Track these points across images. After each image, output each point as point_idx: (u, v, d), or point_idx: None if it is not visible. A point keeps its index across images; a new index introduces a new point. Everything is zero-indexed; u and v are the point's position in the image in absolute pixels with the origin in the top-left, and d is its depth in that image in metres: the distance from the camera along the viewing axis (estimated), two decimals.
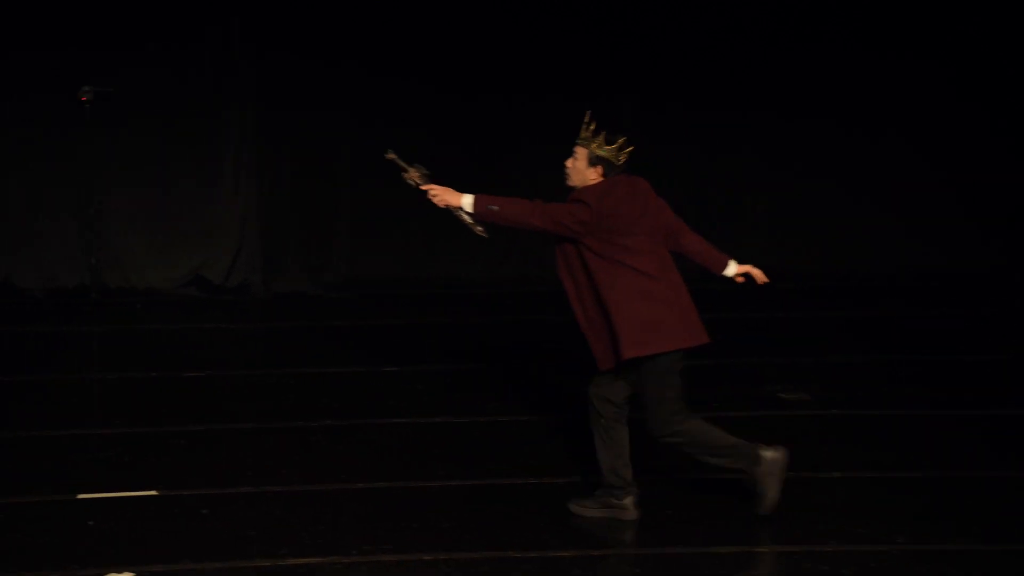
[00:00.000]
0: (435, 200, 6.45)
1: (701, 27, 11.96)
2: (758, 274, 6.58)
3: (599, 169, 6.44)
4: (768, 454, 6.36)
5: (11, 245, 11.82)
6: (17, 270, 11.83)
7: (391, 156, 6.53)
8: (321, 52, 11.78)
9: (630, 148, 6.45)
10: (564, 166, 6.46)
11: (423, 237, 12.05)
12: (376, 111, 11.72)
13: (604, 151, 6.42)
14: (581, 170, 6.46)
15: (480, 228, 6.51)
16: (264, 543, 6.29)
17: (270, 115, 11.85)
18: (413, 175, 6.52)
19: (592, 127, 6.41)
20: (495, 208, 6.38)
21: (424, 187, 6.49)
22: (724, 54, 12.03)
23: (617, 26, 11.96)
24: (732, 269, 6.58)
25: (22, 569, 5.88)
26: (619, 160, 6.45)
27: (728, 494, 6.77)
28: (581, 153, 6.45)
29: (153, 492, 6.85)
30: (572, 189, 6.48)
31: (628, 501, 6.51)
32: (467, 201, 6.41)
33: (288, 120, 11.88)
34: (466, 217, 6.47)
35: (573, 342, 6.88)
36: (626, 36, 11.91)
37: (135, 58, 11.57)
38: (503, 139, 12.04)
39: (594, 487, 6.63)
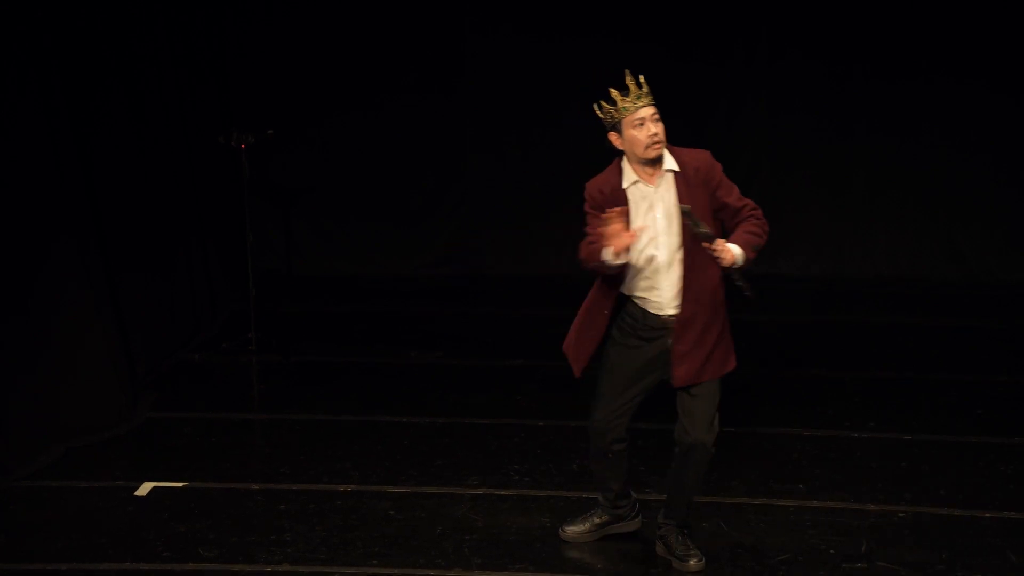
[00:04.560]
0: (722, 259, 4.94)
1: None
2: None
3: None
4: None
5: None
6: None
7: (687, 208, 5.00)
8: None
9: None
10: (655, 133, 4.95)
11: None
12: None
13: None
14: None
15: (748, 284, 5.03)
16: None
17: None
18: (705, 229, 4.98)
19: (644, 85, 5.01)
20: (752, 249, 5.01)
21: (713, 246, 4.97)
22: None
23: None
24: None
25: None
26: None
27: None
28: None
29: None
30: (658, 159, 5.01)
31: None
32: (739, 254, 4.96)
33: None
34: (738, 276, 5.03)
35: None
36: None
37: None
38: None
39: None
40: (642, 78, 4.97)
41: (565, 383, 7.82)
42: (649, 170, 5.00)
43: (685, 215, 4.96)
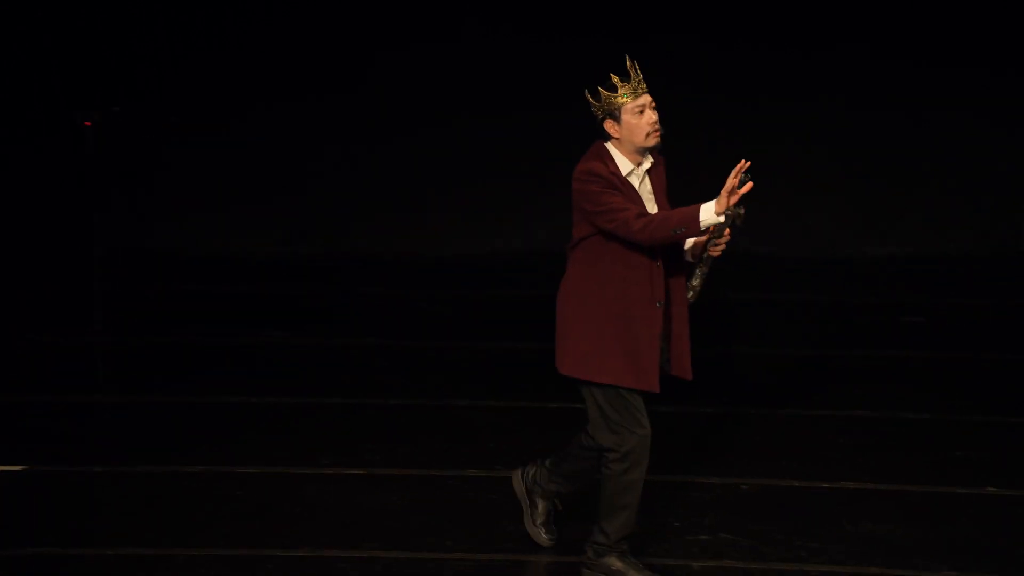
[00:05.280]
0: (719, 250, 4.89)
1: None
2: None
3: None
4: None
5: None
6: None
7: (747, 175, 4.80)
8: None
9: None
10: (656, 120, 4.87)
11: None
12: None
13: None
14: None
15: (700, 285, 4.99)
16: None
17: None
18: (739, 214, 4.78)
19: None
20: None
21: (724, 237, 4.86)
22: None
23: None
24: None
25: None
26: None
27: None
28: None
29: None
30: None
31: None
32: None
33: None
34: (705, 271, 4.96)
35: None
36: None
37: None
38: None
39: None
40: (637, 65, 4.85)
41: (420, 362, 7.82)
42: (639, 159, 4.91)
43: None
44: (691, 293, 4.94)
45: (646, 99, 4.83)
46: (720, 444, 6.41)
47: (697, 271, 4.92)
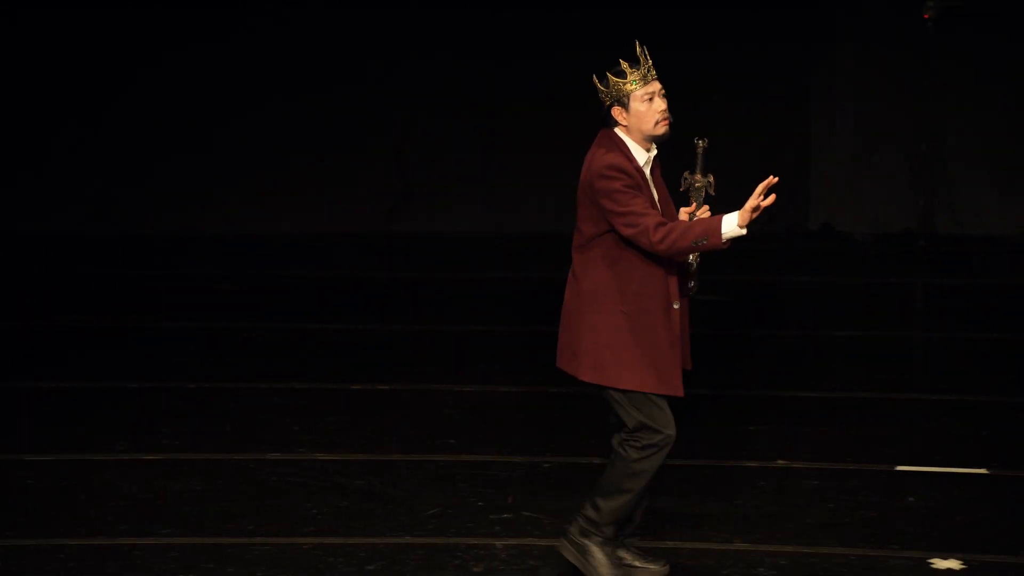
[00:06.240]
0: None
1: None
2: None
3: None
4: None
5: (835, 187, 10.36)
6: (840, 213, 10.36)
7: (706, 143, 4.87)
8: None
9: None
10: (665, 109, 4.71)
11: None
12: None
13: None
14: None
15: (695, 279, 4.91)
16: None
17: None
18: (709, 183, 4.83)
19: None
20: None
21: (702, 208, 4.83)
22: None
23: None
24: None
25: None
26: None
27: None
28: None
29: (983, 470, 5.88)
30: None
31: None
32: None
33: None
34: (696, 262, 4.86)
35: None
36: None
37: None
38: None
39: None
40: (647, 51, 4.68)
41: (219, 344, 7.67)
42: (648, 146, 4.75)
43: (703, 152, 4.75)
44: (693, 283, 4.82)
45: (656, 86, 4.69)
46: (522, 422, 6.45)
47: (691, 258, 4.82)
